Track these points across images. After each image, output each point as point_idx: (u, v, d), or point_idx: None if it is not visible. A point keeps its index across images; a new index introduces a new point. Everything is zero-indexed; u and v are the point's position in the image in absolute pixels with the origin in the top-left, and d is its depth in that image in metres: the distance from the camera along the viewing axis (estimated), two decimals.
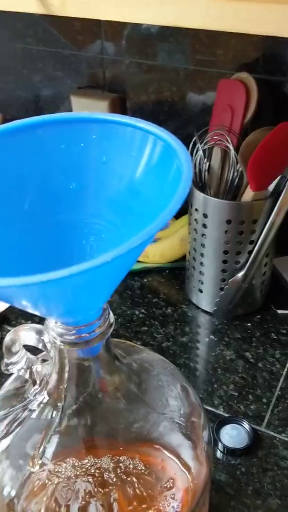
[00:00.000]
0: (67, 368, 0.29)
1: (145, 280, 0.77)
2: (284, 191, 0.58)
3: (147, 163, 0.25)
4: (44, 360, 0.32)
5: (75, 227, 0.28)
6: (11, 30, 0.83)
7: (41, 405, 0.31)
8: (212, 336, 0.67)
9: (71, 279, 0.20)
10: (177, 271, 0.78)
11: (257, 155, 0.55)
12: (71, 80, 0.84)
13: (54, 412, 0.31)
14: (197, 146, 0.62)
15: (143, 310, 0.71)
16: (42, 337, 0.30)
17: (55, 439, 0.32)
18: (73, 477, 0.34)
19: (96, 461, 0.35)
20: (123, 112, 0.81)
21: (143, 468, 0.35)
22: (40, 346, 0.30)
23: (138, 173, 0.26)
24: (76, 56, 0.81)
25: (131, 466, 0.35)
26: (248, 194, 0.60)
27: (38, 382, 0.32)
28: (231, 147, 0.61)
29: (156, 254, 0.78)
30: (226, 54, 0.69)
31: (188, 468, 0.35)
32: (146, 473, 0.34)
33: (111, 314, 0.29)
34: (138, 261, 0.79)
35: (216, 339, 0.66)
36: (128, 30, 0.74)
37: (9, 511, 0.33)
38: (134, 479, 0.35)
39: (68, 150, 0.28)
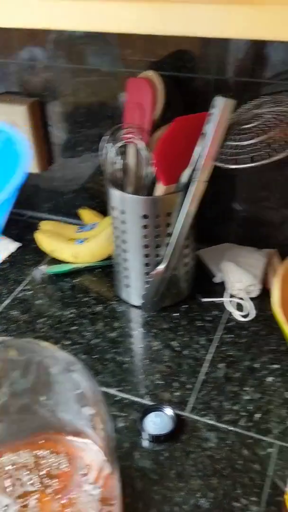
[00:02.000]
0: None
1: (75, 280, 0.78)
2: (192, 182, 0.60)
3: None
4: None
5: None
6: None
7: None
8: (141, 329, 0.69)
9: None
10: (108, 269, 0.79)
11: (159, 151, 0.57)
12: None
13: None
14: (106, 146, 0.64)
15: (73, 310, 0.72)
16: None
17: None
18: None
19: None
20: (42, 115, 0.82)
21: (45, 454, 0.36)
22: None
23: None
24: None
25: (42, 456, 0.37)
26: (160, 189, 0.62)
27: None
28: (139, 144, 0.63)
29: (85, 254, 0.79)
30: (135, 54, 0.71)
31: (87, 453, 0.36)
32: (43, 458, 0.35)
33: None
34: (68, 262, 0.80)
35: (144, 331, 0.68)
36: (41, 34, 0.75)
37: None
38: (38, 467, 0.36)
39: None
